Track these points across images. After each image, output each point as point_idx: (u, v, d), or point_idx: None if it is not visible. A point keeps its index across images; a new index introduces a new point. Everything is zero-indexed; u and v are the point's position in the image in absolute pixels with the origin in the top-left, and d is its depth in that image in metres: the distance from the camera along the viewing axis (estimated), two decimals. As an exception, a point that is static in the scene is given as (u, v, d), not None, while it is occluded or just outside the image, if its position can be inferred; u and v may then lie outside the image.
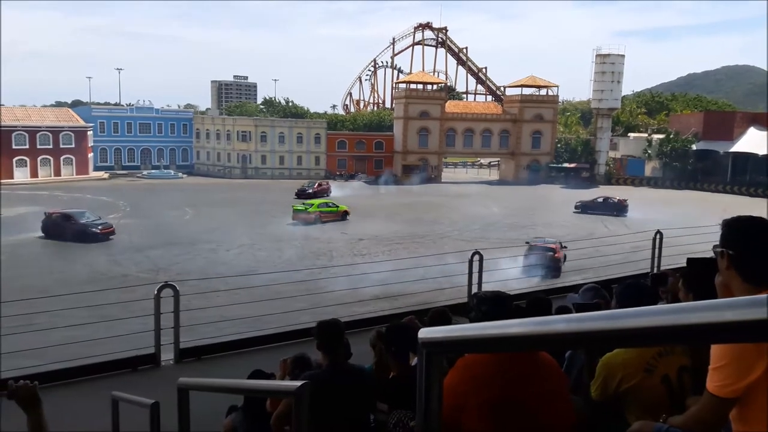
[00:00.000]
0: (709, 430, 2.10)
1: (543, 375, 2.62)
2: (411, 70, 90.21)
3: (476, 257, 9.71)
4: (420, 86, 74.94)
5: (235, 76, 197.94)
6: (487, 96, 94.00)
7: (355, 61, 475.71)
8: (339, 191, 56.82)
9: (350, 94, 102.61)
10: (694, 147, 67.81)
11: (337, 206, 44.40)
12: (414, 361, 3.63)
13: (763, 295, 0.89)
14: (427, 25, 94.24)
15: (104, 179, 69.62)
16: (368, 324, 8.26)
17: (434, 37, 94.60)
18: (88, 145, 71.51)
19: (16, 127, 65.33)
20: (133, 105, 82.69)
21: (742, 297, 0.99)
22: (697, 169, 67.05)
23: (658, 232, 11.69)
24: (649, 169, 71.38)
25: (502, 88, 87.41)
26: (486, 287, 9.28)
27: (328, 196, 53.11)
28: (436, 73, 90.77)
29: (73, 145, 69.22)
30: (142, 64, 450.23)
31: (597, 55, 71.26)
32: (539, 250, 26.63)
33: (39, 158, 66.89)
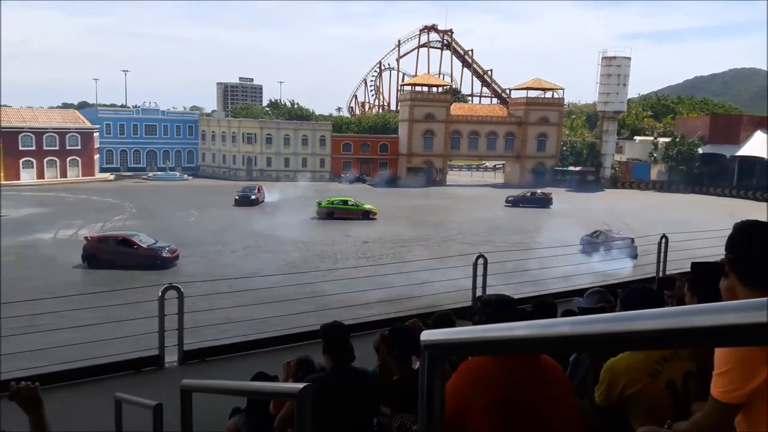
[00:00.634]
0: (715, 436, 2.08)
1: (547, 378, 2.60)
2: (416, 73, 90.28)
3: (480, 260, 9.69)
4: (425, 89, 75.00)
5: (240, 78, 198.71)
6: (493, 98, 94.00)
7: (360, 64, 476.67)
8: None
9: (355, 96, 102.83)
10: (700, 150, 67.58)
11: (357, 205, 44.41)
12: (417, 364, 3.63)
13: (766, 299, 0.89)
14: (433, 28, 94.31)
15: (110, 181, 69.93)
16: (372, 327, 8.25)
17: (440, 39, 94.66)
18: (94, 147, 71.88)
19: (22, 128, 65.70)
20: (139, 107, 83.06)
21: (745, 300, 0.98)
22: (703, 173, 66.83)
23: (664, 236, 11.64)
24: (655, 172, 71.19)
25: (507, 91, 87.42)
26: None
27: (261, 202, 51.62)
28: (441, 76, 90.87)
29: (79, 147, 69.59)
30: (148, 65, 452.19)
31: (603, 58, 71.17)
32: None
33: (45, 159, 67.26)
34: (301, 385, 2.28)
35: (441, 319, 5.05)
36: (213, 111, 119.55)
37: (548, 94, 76.88)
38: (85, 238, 29.84)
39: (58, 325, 11.04)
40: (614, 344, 1.05)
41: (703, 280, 2.72)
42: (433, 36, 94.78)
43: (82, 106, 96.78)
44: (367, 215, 44.04)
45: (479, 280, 9.72)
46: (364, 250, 33.38)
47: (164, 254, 28.82)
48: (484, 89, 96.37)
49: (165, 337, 7.38)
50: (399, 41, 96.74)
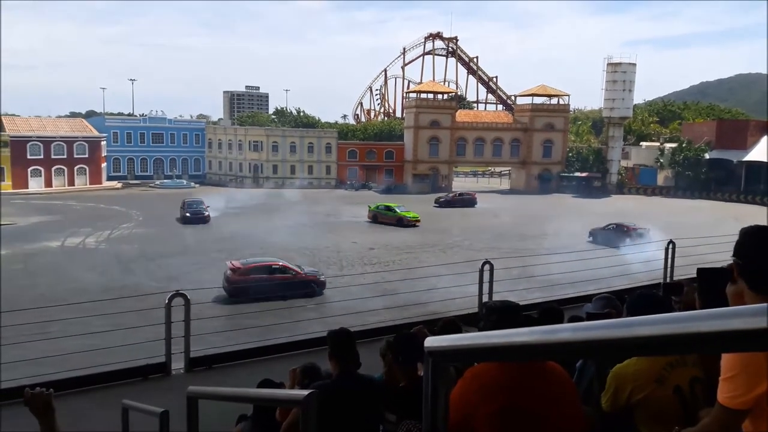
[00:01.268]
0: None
1: (553, 385, 2.60)
2: (421, 80, 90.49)
3: (486, 267, 9.67)
4: (430, 96, 75.11)
5: (246, 87, 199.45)
6: (498, 105, 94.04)
7: (366, 71, 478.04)
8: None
9: (361, 103, 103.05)
10: (707, 156, 67.33)
11: (394, 210, 44.80)
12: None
13: (768, 304, 0.89)
14: (438, 35, 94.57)
15: (117, 189, 70.26)
16: (379, 333, 8.25)
17: (444, 46, 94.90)
18: (101, 155, 72.30)
19: (30, 137, 66.18)
20: (146, 115, 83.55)
21: (750, 305, 0.98)
22: (710, 179, 66.54)
23: (671, 241, 11.60)
24: (662, 178, 70.95)
25: (512, 97, 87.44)
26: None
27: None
28: (446, 83, 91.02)
29: (86, 155, 70.02)
30: (155, 74, 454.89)
31: (608, 64, 71.13)
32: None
33: (53, 168, 67.68)
34: (306, 392, 2.28)
35: (447, 325, 5.04)
36: (219, 119, 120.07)
37: (554, 101, 76.83)
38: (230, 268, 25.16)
39: (66, 332, 11.09)
40: (616, 350, 1.05)
41: (711, 286, 2.72)
42: (438, 43, 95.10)
43: (90, 115, 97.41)
44: (401, 222, 43.91)
45: (485, 286, 9.71)
46: (370, 257, 33.37)
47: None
48: (490, 96, 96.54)
49: (172, 344, 7.41)
50: (404, 49, 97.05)
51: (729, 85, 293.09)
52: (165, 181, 74.46)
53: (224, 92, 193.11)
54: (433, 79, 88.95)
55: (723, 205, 58.40)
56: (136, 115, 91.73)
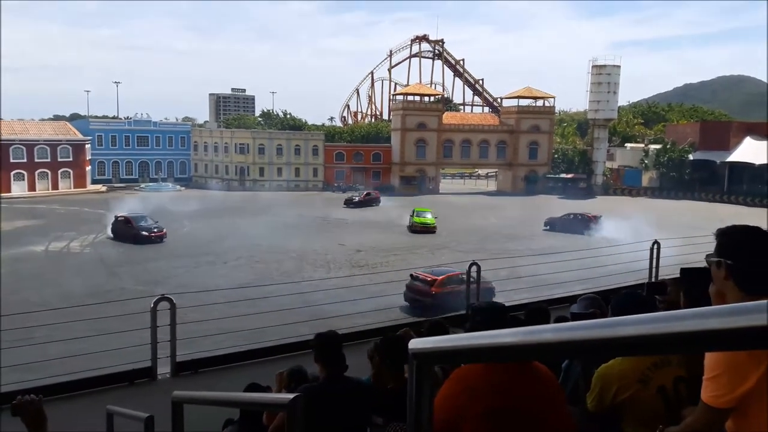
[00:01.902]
0: (705, 440, 2.09)
1: (539, 384, 2.61)
2: (408, 82, 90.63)
3: (474, 268, 9.71)
4: (417, 98, 75.27)
5: (233, 89, 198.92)
6: (484, 107, 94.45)
7: (353, 74, 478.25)
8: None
9: (348, 106, 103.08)
10: (690, 157, 68.03)
11: (424, 215, 44.18)
12: (410, 372, 3.61)
13: (755, 302, 0.89)
14: (424, 38, 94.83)
15: (102, 192, 69.60)
16: (367, 336, 8.24)
17: (431, 49, 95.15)
18: (86, 159, 71.59)
19: (13, 140, 65.38)
20: (130, 118, 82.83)
21: (734, 304, 0.98)
22: (694, 179, 67.24)
23: (656, 242, 11.70)
24: (647, 179, 71.57)
25: (498, 100, 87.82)
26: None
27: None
28: (433, 85, 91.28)
29: (70, 159, 69.30)
30: (140, 77, 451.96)
31: (593, 66, 71.67)
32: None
33: (37, 172, 66.90)
34: (291, 396, 2.27)
35: (433, 327, 5.04)
36: (205, 122, 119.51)
37: (539, 103, 77.31)
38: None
39: (51, 337, 10.96)
40: (600, 350, 1.05)
41: (695, 285, 2.74)
42: (425, 46, 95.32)
43: (74, 118, 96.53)
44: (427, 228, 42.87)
45: (473, 287, 9.74)
46: (357, 259, 33.34)
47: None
48: (476, 98, 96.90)
49: (158, 348, 7.35)
50: (391, 51, 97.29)
51: (712, 87, 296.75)
52: (150, 184, 73.87)
53: (210, 95, 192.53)
54: (420, 82, 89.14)
55: (706, 205, 59.05)
56: (120, 118, 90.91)
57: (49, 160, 67.59)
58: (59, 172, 68.46)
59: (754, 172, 61.56)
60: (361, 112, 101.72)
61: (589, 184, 71.39)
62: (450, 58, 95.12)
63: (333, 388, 3.88)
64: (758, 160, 60.43)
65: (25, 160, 66.01)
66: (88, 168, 72.44)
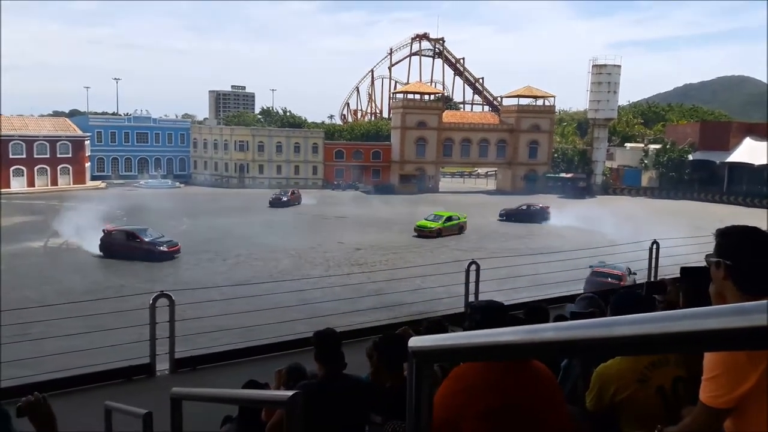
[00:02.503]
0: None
1: (537, 383, 2.61)
2: (408, 81, 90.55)
3: (473, 267, 9.70)
4: (417, 96, 75.18)
5: (233, 86, 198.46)
6: (484, 106, 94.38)
7: (353, 72, 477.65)
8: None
9: (348, 104, 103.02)
10: (690, 157, 68.02)
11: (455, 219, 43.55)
12: (409, 371, 3.60)
13: (754, 303, 0.89)
14: (424, 36, 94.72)
15: (101, 188, 69.53)
16: (366, 334, 8.23)
17: (431, 47, 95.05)
18: (85, 155, 71.52)
19: (13, 136, 65.34)
20: (130, 115, 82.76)
21: (733, 304, 0.98)
22: (693, 179, 67.24)
23: (655, 242, 11.70)
24: (646, 179, 71.56)
25: (499, 99, 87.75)
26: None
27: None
28: (433, 84, 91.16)
29: (70, 155, 69.25)
30: (140, 73, 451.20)
31: (593, 66, 71.62)
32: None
33: (36, 168, 66.88)
34: (290, 393, 2.27)
35: (433, 326, 5.04)
36: (205, 119, 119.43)
37: (539, 102, 77.24)
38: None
39: (48, 333, 10.95)
40: (599, 349, 1.05)
41: (695, 285, 2.74)
42: (425, 44, 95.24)
43: (73, 114, 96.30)
44: (462, 229, 42.53)
45: (471, 286, 9.73)
46: (356, 257, 33.34)
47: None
48: (476, 97, 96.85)
49: (156, 345, 7.34)
50: (391, 49, 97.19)
51: (712, 87, 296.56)
52: (150, 180, 73.80)
53: (210, 92, 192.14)
54: (420, 80, 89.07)
55: (704, 205, 59.07)
56: (120, 115, 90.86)
57: (48, 156, 67.56)
58: (58, 168, 68.45)
59: (754, 173, 61.58)
60: (361, 110, 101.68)
61: (588, 184, 71.34)
62: (450, 57, 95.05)
63: (332, 385, 3.88)
64: (758, 160, 60.45)
65: (24, 156, 65.98)
66: (88, 164, 72.37)
